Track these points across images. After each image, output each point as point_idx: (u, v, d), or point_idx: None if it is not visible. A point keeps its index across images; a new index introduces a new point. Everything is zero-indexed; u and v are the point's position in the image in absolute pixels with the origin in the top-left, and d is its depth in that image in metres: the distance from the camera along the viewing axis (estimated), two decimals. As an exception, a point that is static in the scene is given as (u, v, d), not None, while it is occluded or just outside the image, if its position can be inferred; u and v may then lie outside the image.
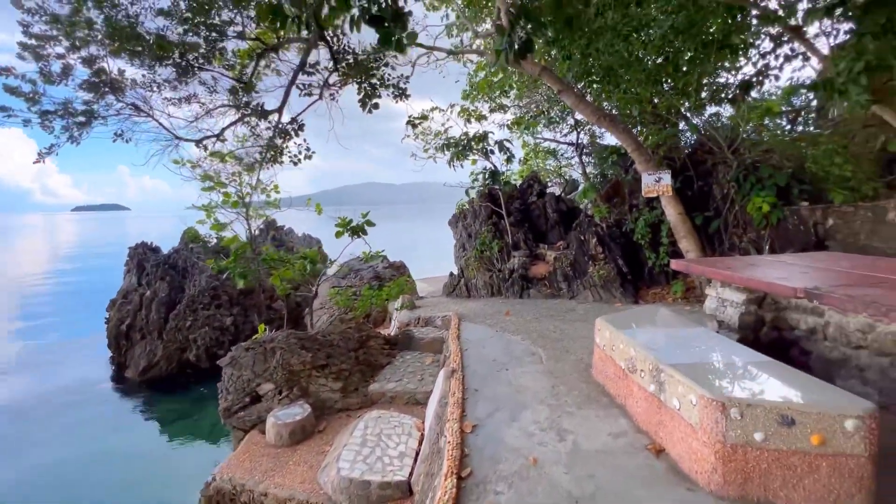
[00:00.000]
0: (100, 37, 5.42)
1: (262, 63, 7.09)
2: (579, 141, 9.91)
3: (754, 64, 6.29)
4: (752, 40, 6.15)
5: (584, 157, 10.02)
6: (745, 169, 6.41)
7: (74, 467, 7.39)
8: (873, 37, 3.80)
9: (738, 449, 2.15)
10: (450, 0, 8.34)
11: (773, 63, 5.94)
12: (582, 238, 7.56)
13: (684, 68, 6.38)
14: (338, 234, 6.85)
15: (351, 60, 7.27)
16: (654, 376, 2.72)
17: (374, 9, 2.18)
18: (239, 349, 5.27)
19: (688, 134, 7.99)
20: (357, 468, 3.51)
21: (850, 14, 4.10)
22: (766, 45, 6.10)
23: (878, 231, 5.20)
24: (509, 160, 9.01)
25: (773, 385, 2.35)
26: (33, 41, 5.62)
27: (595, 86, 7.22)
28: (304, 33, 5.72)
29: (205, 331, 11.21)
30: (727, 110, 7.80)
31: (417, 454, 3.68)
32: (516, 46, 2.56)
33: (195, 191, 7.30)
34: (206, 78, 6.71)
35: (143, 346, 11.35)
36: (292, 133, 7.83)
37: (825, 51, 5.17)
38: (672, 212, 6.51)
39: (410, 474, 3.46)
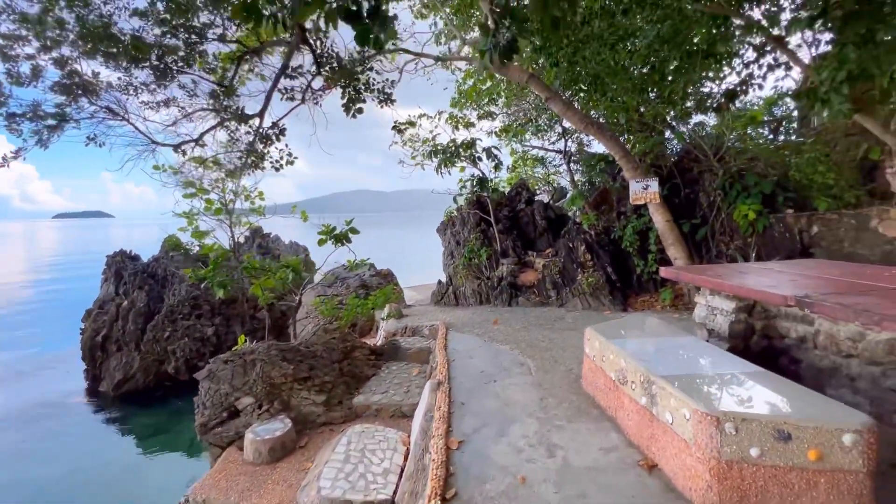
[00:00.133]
0: (72, 37, 5.21)
1: (245, 67, 6.94)
2: (567, 148, 9.94)
3: (738, 73, 6.38)
4: (736, 49, 6.23)
5: (572, 164, 10.04)
6: (730, 177, 6.46)
7: (39, 486, 7.03)
8: (855, 46, 3.84)
9: (733, 465, 2.06)
10: (438, 8, 8.31)
11: (756, 72, 6.02)
12: (571, 245, 7.52)
13: (670, 77, 6.44)
14: (320, 242, 6.71)
15: (335, 64, 7.15)
16: (645, 388, 2.63)
17: (351, 3, 2.08)
18: (217, 362, 5.06)
19: (674, 142, 8.05)
20: (339, 487, 3.34)
21: (832, 25, 4.15)
22: (750, 54, 6.19)
23: (861, 238, 5.26)
24: (497, 167, 8.99)
25: (768, 398, 2.28)
26: (1, 41, 5.38)
27: (582, 94, 7.24)
28: (286, 35, 5.59)
29: (184, 342, 10.84)
30: (712, 119, 7.89)
31: (402, 470, 3.53)
32: (501, 46, 2.49)
33: (179, 197, 7.09)
34: (186, 81, 6.53)
35: (118, 357, 10.94)
36: (273, 138, 7.65)
37: (807, 60, 5.24)
38: (660, 219, 6.51)
39: (395, 493, 3.30)
